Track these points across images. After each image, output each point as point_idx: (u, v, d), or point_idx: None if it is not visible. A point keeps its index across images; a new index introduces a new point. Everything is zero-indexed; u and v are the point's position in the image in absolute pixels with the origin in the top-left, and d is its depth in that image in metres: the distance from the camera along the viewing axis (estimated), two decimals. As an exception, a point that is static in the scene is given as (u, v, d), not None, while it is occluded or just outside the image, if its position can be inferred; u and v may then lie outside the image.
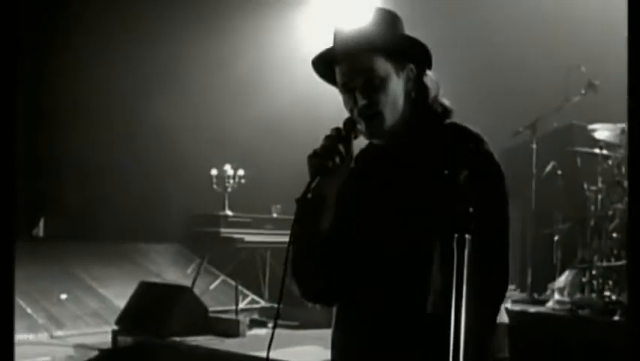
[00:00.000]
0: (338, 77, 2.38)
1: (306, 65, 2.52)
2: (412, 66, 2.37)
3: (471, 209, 1.73)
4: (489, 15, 7.58)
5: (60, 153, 8.93)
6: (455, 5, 7.84)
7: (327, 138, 2.25)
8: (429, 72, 2.43)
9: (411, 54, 2.37)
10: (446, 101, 2.42)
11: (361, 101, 2.28)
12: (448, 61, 7.68)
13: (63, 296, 7.47)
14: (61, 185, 9.15)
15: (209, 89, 8.76)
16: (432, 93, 2.40)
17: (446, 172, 1.85)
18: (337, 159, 2.22)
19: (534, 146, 6.31)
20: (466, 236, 1.72)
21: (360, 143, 2.36)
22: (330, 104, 2.91)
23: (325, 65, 2.41)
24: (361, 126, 2.31)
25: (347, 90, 2.33)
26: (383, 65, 2.31)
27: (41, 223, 9.24)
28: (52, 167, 9.05)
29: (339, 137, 2.25)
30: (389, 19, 2.40)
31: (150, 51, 8.84)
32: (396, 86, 2.33)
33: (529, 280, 6.29)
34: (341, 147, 2.24)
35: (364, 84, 2.29)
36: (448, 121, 2.39)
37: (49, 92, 8.80)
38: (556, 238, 6.31)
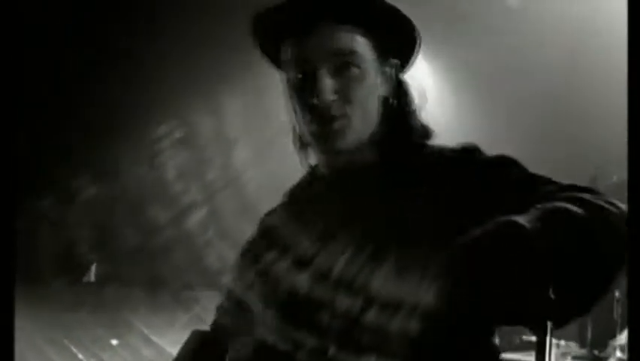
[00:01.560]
0: (289, 52, 1.63)
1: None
2: (395, 61, 1.71)
3: (552, 295, 1.17)
4: (545, 60, 7.52)
5: (114, 198, 8.99)
6: (512, 56, 7.80)
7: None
8: (409, 73, 1.77)
9: (401, 42, 1.70)
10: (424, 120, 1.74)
11: (328, 94, 1.57)
12: (503, 103, 7.70)
13: (114, 342, 7.47)
14: (114, 231, 9.20)
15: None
16: (416, 104, 1.74)
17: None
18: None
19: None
20: (548, 323, 1.22)
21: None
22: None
23: (273, 33, 1.65)
24: (309, 132, 1.62)
25: (304, 72, 1.61)
26: (365, 49, 1.62)
27: (93, 268, 9.28)
28: (105, 212, 9.11)
29: None
30: None
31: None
32: (374, 84, 1.65)
33: (589, 336, 6.15)
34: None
35: (336, 69, 1.60)
36: (429, 145, 1.72)
37: (111, 136, 8.89)
38: (617, 293, 6.16)
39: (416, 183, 1.59)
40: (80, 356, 7.05)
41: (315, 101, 1.57)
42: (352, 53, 1.59)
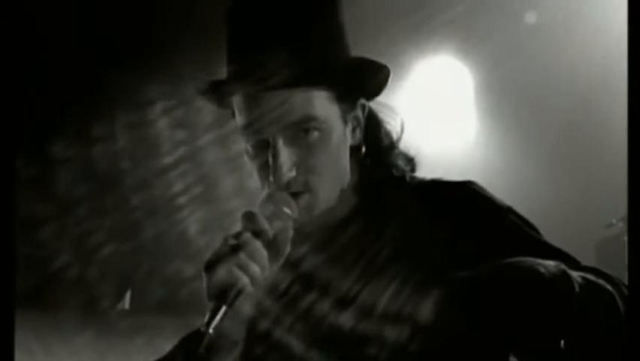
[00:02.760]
0: (238, 117, 1.43)
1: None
2: (363, 102, 1.50)
3: (562, 343, 1.16)
4: (578, 100, 7.49)
5: (147, 225, 9.05)
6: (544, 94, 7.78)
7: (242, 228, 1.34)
8: (383, 103, 1.57)
9: (368, 83, 1.48)
10: (407, 150, 1.56)
11: (286, 172, 1.38)
12: (538, 142, 7.67)
13: (148, 369, 7.49)
14: (148, 258, 9.25)
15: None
16: (391, 140, 1.55)
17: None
18: (257, 270, 1.29)
19: (627, 238, 6.16)
20: None
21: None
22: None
23: (219, 90, 1.45)
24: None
25: (257, 142, 1.41)
26: (325, 109, 1.40)
27: (127, 296, 9.33)
28: (139, 239, 9.17)
29: (256, 231, 1.31)
30: (332, 17, 1.45)
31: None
32: (341, 139, 1.45)
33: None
34: (260, 247, 1.31)
35: (293, 137, 1.39)
36: (414, 179, 1.55)
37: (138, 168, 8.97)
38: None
39: (399, 220, 1.46)
40: (114, 382, 7.10)
41: (271, 179, 1.38)
42: (308, 118, 1.38)
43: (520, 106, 7.59)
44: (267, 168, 1.38)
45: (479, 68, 7.92)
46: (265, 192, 1.40)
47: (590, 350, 1.20)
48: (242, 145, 1.44)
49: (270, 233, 1.33)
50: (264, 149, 1.39)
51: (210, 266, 1.32)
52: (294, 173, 1.38)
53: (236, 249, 1.30)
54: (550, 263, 1.21)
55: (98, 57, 7.85)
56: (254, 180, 1.44)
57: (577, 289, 1.19)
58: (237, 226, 1.35)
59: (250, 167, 1.45)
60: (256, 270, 1.30)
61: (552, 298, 1.16)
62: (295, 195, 1.39)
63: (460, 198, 1.47)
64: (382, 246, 1.43)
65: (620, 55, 6.73)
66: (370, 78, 1.47)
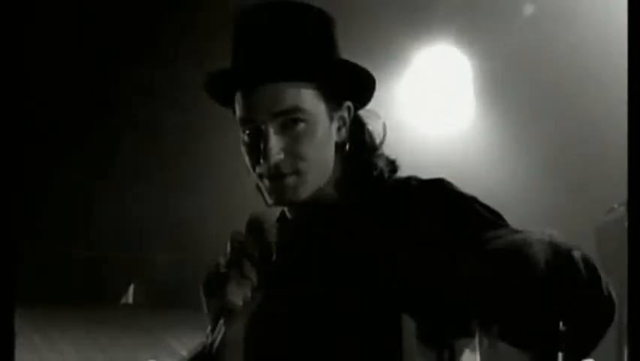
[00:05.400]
0: (237, 108, 1.62)
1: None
2: (349, 104, 1.67)
3: (562, 326, 1.27)
4: (581, 83, 7.50)
5: (152, 221, 9.07)
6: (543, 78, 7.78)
7: (232, 252, 1.53)
8: (368, 109, 1.73)
9: (354, 86, 1.65)
10: (387, 155, 1.70)
11: (275, 155, 1.55)
12: (538, 129, 7.68)
13: (151, 363, 7.51)
14: (152, 251, 9.27)
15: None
16: (374, 142, 1.70)
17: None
18: (248, 293, 1.49)
19: (627, 224, 6.16)
20: (560, 355, 1.31)
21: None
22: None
23: (223, 84, 1.64)
24: (262, 185, 1.61)
25: (251, 130, 1.59)
26: (313, 104, 1.59)
27: (130, 290, 9.35)
28: (142, 233, 9.19)
29: (245, 253, 1.51)
30: (325, 26, 1.64)
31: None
32: (327, 133, 1.62)
33: (625, 359, 6.12)
34: (250, 270, 1.50)
35: (282, 126, 1.57)
36: (391, 178, 1.68)
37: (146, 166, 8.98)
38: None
39: (378, 219, 1.56)
40: (118, 377, 7.12)
41: (261, 160, 1.56)
42: (296, 109, 1.56)
43: (519, 95, 7.60)
44: (259, 152, 1.55)
45: (478, 58, 7.93)
46: (257, 172, 1.59)
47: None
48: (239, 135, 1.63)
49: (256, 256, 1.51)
50: (257, 136, 1.56)
51: (208, 291, 1.54)
52: (282, 156, 1.55)
53: (228, 275, 1.50)
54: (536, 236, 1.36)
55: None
56: (245, 166, 1.61)
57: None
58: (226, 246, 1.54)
59: (243, 153, 1.62)
60: (247, 293, 1.48)
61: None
62: (283, 176, 1.56)
63: (429, 192, 1.57)
64: (355, 240, 1.53)
65: (619, 46, 6.75)
66: (357, 82, 1.64)
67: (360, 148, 1.67)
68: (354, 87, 1.65)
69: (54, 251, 8.37)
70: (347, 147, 1.66)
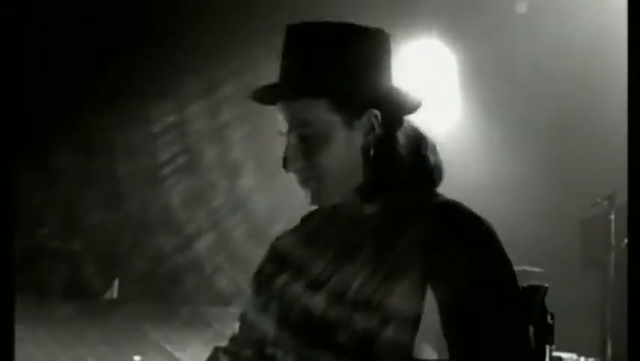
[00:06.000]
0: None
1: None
2: (375, 112, 1.75)
3: (550, 320, 1.58)
4: (564, 76, 7.52)
5: (136, 214, 9.04)
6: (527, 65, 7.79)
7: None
8: (411, 118, 1.85)
9: (375, 98, 1.76)
10: (434, 159, 1.82)
11: (292, 163, 1.74)
12: (524, 124, 7.68)
13: (137, 358, 7.50)
14: (136, 247, 9.25)
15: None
16: (397, 150, 1.78)
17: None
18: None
19: (612, 217, 6.20)
20: (547, 347, 1.54)
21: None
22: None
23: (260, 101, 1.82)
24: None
25: (285, 141, 1.78)
26: (324, 117, 1.72)
27: (115, 284, 9.34)
28: (127, 229, 9.17)
29: None
30: (346, 41, 1.75)
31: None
32: (345, 142, 1.74)
33: (609, 352, 6.14)
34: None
35: (297, 140, 1.74)
36: (434, 197, 1.77)
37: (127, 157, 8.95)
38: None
39: (393, 223, 1.69)
40: (103, 372, 7.09)
41: (282, 165, 1.75)
42: (307, 123, 1.72)
43: (504, 90, 7.63)
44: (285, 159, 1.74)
45: (466, 51, 7.95)
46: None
47: None
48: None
49: None
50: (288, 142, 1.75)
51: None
52: (300, 164, 1.73)
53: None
54: None
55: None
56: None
57: None
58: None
59: None
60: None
61: None
62: (305, 181, 1.75)
63: (435, 216, 1.68)
64: (371, 240, 1.70)
65: (606, 40, 6.81)
66: (376, 92, 1.76)
67: (381, 155, 1.76)
68: (380, 99, 1.76)
69: (39, 244, 8.34)
70: (371, 152, 1.75)
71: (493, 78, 7.69)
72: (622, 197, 6.34)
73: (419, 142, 1.82)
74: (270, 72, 1.81)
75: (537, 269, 4.87)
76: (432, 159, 1.82)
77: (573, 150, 7.44)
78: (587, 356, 6.08)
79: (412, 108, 1.84)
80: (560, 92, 7.44)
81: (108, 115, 8.52)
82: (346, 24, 1.76)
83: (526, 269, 5.61)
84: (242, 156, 8.99)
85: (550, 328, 1.54)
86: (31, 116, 7.65)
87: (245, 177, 8.85)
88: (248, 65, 7.70)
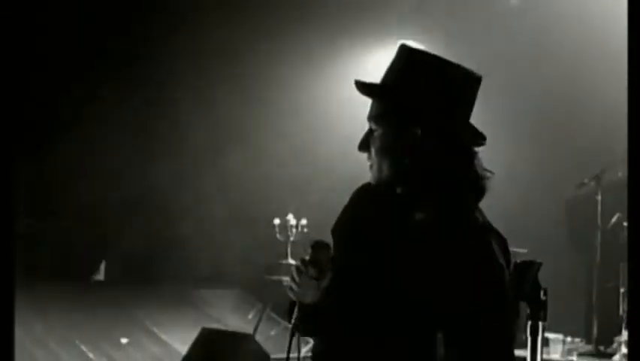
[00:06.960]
0: None
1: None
2: (417, 131, 2.13)
3: (543, 296, 1.77)
4: (552, 57, 7.53)
5: (122, 196, 9.01)
6: (517, 55, 7.80)
7: (298, 271, 2.16)
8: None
9: (419, 118, 2.14)
10: (486, 175, 2.19)
11: (369, 152, 2.22)
12: (512, 109, 7.69)
13: (124, 340, 7.50)
14: (123, 229, 9.23)
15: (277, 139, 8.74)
16: (426, 161, 2.14)
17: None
18: (312, 294, 2.16)
19: (599, 197, 6.22)
20: (539, 323, 1.71)
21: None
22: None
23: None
24: None
25: None
26: (385, 117, 2.17)
27: (102, 267, 9.31)
28: (113, 211, 9.14)
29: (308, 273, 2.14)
30: (417, 67, 2.21)
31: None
32: (387, 146, 2.16)
33: (595, 332, 6.18)
34: (313, 282, 2.15)
35: (369, 130, 2.21)
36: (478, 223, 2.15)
37: (111, 141, 8.92)
38: (622, 290, 6.17)
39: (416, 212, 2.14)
40: (91, 355, 7.08)
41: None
42: (374, 117, 2.17)
43: (494, 74, 7.63)
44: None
45: (456, 47, 7.95)
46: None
47: None
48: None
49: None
50: None
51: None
52: (370, 153, 2.18)
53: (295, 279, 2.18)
54: None
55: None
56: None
57: None
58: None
59: None
60: (311, 296, 2.16)
61: None
62: (370, 167, 2.16)
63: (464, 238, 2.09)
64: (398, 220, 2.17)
65: (593, 31, 6.81)
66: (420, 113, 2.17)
67: (417, 165, 2.13)
68: (425, 119, 2.13)
69: (26, 226, 8.30)
70: (405, 161, 2.12)
71: (485, 63, 7.69)
72: (608, 177, 6.39)
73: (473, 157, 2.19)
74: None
75: (523, 250, 4.88)
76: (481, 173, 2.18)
77: (561, 131, 7.46)
78: (573, 336, 6.11)
79: (477, 145, 2.23)
80: (549, 75, 7.45)
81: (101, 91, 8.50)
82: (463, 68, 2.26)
83: (513, 250, 5.63)
84: (227, 137, 8.96)
85: (544, 304, 1.70)
86: (19, 96, 7.60)
87: (230, 158, 8.81)
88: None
